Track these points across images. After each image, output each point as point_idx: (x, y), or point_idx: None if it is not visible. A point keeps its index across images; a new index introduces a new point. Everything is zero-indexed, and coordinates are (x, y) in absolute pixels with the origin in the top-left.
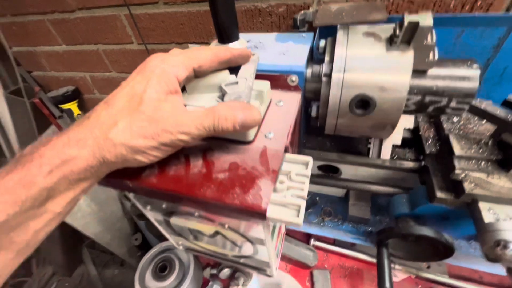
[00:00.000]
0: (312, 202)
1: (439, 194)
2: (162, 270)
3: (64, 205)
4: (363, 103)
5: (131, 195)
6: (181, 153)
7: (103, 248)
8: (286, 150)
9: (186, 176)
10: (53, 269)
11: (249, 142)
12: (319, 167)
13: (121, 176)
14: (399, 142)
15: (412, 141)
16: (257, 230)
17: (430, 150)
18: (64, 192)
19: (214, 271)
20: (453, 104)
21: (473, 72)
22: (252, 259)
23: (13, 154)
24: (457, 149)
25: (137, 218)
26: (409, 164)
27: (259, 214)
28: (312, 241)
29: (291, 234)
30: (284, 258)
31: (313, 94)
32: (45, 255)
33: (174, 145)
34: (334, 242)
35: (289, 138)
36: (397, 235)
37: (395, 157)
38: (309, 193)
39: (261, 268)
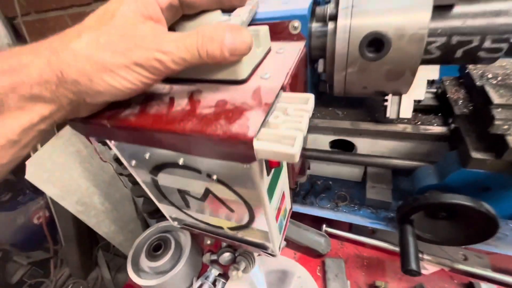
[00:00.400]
0: (325, 187)
1: (475, 155)
2: (156, 249)
3: (19, 132)
4: (376, 43)
5: (114, 147)
6: (166, 96)
7: (117, 251)
8: (283, 89)
9: (168, 114)
10: (69, 271)
11: (242, 82)
12: (332, 144)
13: (99, 116)
14: (422, 97)
15: (438, 108)
16: (249, 181)
17: (461, 111)
18: (15, 111)
19: (214, 257)
20: (487, 44)
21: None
22: (250, 231)
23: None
24: (496, 97)
25: (148, 216)
26: (436, 130)
27: (245, 145)
28: (324, 227)
29: (300, 218)
30: (293, 246)
31: (318, 50)
32: (62, 257)
33: (150, 68)
34: (350, 229)
35: (289, 79)
36: (424, 207)
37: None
38: (321, 177)
39: (262, 245)
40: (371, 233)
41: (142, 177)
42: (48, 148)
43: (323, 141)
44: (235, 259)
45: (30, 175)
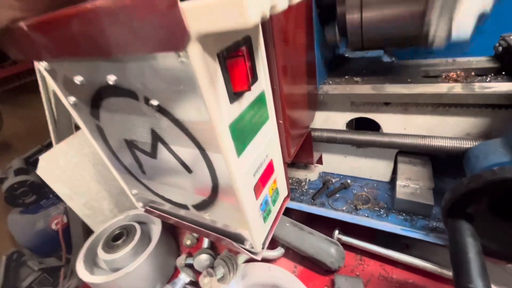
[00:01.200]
0: (342, 185)
1: None
2: (116, 240)
3: None
4: None
5: (49, 78)
6: None
7: None
8: None
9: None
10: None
11: None
12: (350, 124)
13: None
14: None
15: (499, 70)
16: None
17: None
18: None
19: (191, 261)
20: None
21: None
22: (220, 210)
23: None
24: None
25: None
26: (501, 87)
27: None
28: (337, 233)
29: (305, 221)
30: (294, 256)
31: None
32: (73, 267)
33: None
34: (375, 239)
35: None
36: (492, 190)
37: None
38: (336, 175)
39: (238, 236)
40: (404, 248)
41: (88, 125)
42: (64, 146)
43: (337, 121)
44: (212, 266)
45: (42, 170)
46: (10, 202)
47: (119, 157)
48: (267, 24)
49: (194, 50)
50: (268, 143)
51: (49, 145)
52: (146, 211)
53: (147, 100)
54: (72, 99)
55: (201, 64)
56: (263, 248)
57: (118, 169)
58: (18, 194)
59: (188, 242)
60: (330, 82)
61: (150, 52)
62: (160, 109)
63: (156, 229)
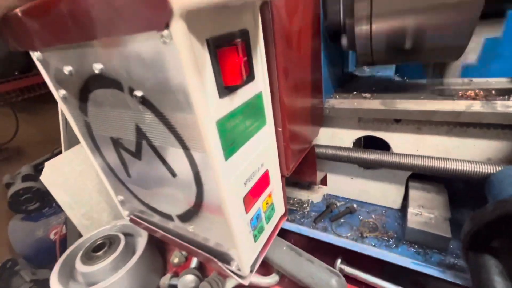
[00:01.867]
0: (347, 210)
1: None
2: (97, 251)
3: None
4: None
5: (42, 70)
6: None
7: None
8: None
9: None
10: None
11: None
12: (357, 143)
13: None
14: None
15: None
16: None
17: None
18: None
19: (176, 281)
20: None
21: None
22: (204, 221)
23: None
24: None
25: None
26: None
27: None
28: (339, 263)
29: (305, 247)
30: (289, 285)
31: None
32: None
33: None
34: (382, 273)
35: None
36: None
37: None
38: (342, 198)
39: (224, 256)
40: (415, 284)
41: (77, 122)
42: (70, 154)
43: (343, 139)
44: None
45: (46, 176)
46: (14, 208)
47: (106, 157)
48: (268, 22)
49: (178, 29)
50: (264, 151)
51: (58, 154)
52: (131, 220)
53: (131, 91)
54: (62, 92)
55: (186, 46)
56: (251, 271)
57: (105, 171)
58: (22, 200)
59: (176, 261)
60: (337, 97)
61: (133, 32)
62: (144, 101)
63: (142, 242)
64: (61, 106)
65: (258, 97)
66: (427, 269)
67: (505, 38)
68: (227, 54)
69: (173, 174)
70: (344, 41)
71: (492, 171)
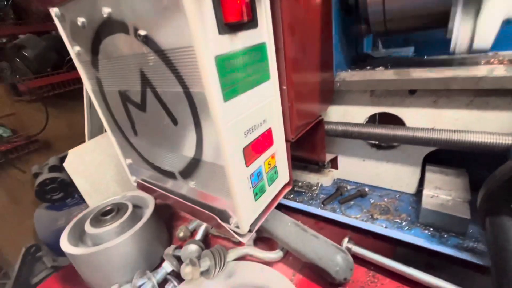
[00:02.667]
0: (358, 193)
1: None
2: (105, 215)
3: None
4: None
5: (60, 27)
6: None
7: None
8: None
9: None
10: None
11: None
12: (370, 121)
13: None
14: None
15: None
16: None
17: None
18: None
19: (179, 253)
20: None
21: None
22: (205, 175)
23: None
24: None
25: None
26: None
27: None
28: (346, 241)
29: (311, 225)
30: (294, 262)
31: None
32: None
33: None
34: (395, 254)
35: None
36: None
37: None
38: (353, 183)
39: (223, 213)
40: (430, 268)
41: (90, 80)
42: (92, 143)
43: (355, 117)
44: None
45: (68, 163)
46: (40, 196)
47: (115, 115)
48: None
49: None
50: (267, 106)
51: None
52: (139, 185)
53: (136, 31)
54: (77, 48)
55: None
56: (250, 231)
57: (114, 132)
58: (48, 190)
59: (181, 234)
60: (349, 70)
61: None
62: (148, 40)
63: (149, 213)
64: (76, 64)
65: (262, 47)
66: (442, 247)
67: None
68: None
69: (175, 122)
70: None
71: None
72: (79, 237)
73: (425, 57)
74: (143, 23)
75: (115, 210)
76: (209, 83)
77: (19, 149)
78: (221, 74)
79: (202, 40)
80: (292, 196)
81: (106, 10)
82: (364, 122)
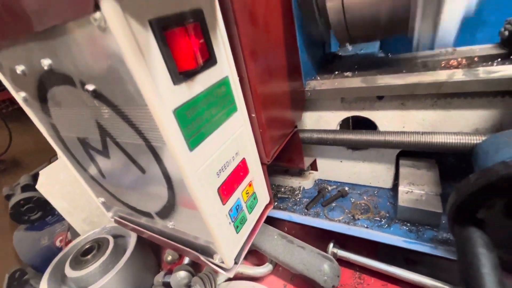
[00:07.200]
0: (339, 193)
1: None
2: (86, 254)
3: None
4: None
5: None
6: None
7: None
8: None
9: None
10: None
11: None
12: (345, 125)
13: None
14: (473, 2)
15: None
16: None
17: None
18: None
19: (170, 278)
20: None
21: None
22: (182, 217)
23: None
24: None
25: None
26: (509, 70)
27: None
28: (331, 247)
29: (298, 234)
30: (284, 273)
31: None
32: None
33: None
34: (378, 254)
35: None
36: (507, 187)
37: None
38: (334, 182)
39: (206, 249)
40: (410, 263)
41: (44, 125)
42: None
43: (329, 122)
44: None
45: (41, 185)
46: (16, 219)
47: (78, 159)
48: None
49: (110, 10)
50: (237, 138)
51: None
52: (116, 222)
53: (83, 85)
54: (22, 94)
55: (122, 29)
56: (236, 263)
57: (81, 173)
58: (23, 211)
59: (169, 258)
60: (318, 78)
61: (66, 18)
62: (97, 95)
63: (132, 243)
64: (25, 109)
65: (225, 81)
66: (419, 246)
67: (488, 5)
68: (178, 37)
69: (142, 170)
70: (316, 26)
71: (479, 142)
72: (61, 280)
73: (389, 55)
74: (89, 78)
75: (96, 247)
76: (170, 138)
77: None
78: (182, 125)
79: (155, 97)
80: (276, 203)
81: (46, 62)
82: (338, 126)
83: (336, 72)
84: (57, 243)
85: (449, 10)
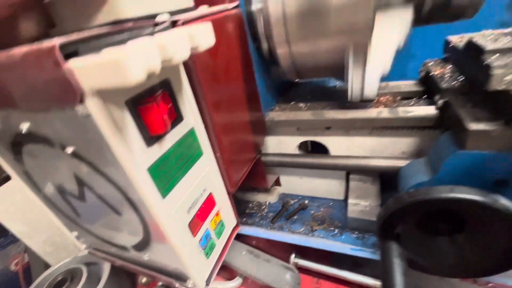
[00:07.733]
0: (300, 207)
1: (474, 126)
2: (59, 286)
3: None
4: None
5: None
6: None
7: None
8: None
9: None
10: None
11: None
12: (304, 145)
13: None
14: (387, 69)
15: (422, 94)
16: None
17: (449, 85)
18: None
19: None
20: None
21: None
22: (158, 251)
23: None
24: (488, 44)
25: None
26: (421, 110)
27: (48, 58)
28: (293, 258)
29: (264, 243)
30: (252, 285)
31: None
32: None
33: None
34: (331, 261)
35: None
36: (411, 211)
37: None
38: (296, 196)
39: (180, 275)
40: (358, 266)
41: (15, 170)
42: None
43: (288, 145)
44: None
45: None
46: None
47: (51, 199)
48: (190, 65)
49: (93, 103)
50: (204, 177)
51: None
52: (91, 253)
53: (63, 147)
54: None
55: (103, 116)
56: (207, 284)
57: (54, 211)
58: None
59: (144, 280)
60: (277, 109)
61: (49, 107)
62: (76, 155)
63: (106, 270)
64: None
65: (191, 133)
66: (361, 252)
67: (415, 41)
68: (148, 109)
69: (118, 213)
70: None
71: (403, 165)
72: None
73: (337, 86)
74: (69, 143)
75: (68, 279)
76: (145, 192)
77: None
78: (156, 179)
79: (131, 162)
80: (245, 219)
81: (24, 126)
82: (297, 147)
83: (292, 103)
84: (12, 267)
85: (368, 78)
